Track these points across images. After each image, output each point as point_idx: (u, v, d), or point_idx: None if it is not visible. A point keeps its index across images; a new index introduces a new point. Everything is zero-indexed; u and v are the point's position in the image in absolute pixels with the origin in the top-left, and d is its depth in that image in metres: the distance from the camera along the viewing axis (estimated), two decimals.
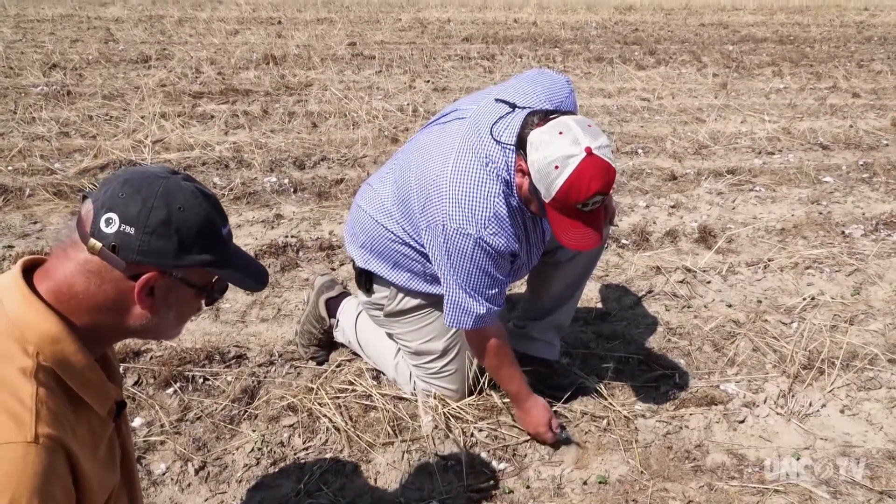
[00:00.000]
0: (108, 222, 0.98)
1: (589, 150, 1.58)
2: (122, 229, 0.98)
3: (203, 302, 1.12)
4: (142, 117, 4.85)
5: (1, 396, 0.90)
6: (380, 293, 2.15)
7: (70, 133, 4.58)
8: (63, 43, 7.32)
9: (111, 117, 4.93)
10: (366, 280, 2.15)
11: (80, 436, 0.98)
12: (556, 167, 1.59)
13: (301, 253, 3.19)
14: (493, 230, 1.78)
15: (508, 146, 1.76)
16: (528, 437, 2.14)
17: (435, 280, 2.00)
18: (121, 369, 2.29)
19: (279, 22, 9.34)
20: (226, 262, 1.08)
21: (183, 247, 1.01)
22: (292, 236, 3.34)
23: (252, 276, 1.13)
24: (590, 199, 1.61)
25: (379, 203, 2.03)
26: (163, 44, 7.54)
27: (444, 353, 2.16)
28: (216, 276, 1.10)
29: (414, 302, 2.10)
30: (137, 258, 0.99)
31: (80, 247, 0.99)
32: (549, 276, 2.26)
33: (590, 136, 1.60)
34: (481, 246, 1.78)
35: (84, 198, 1.04)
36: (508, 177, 1.78)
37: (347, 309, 2.41)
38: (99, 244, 0.98)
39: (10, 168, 3.92)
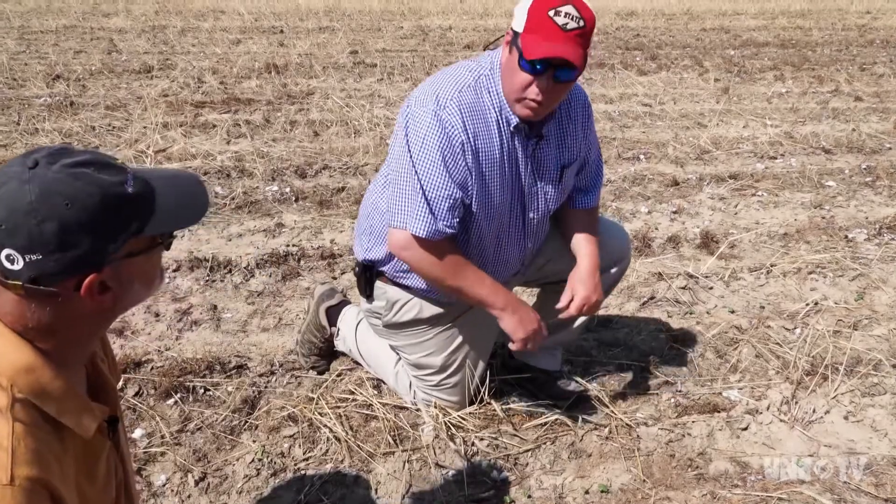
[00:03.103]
0: (10, 259, 0.87)
1: None
2: (28, 260, 0.87)
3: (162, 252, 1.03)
4: (144, 127, 4.87)
5: None
6: (378, 302, 2.14)
7: (73, 144, 4.60)
8: (66, 54, 7.36)
9: (114, 128, 4.95)
10: (366, 285, 2.14)
11: (67, 465, 0.95)
12: None
13: (302, 262, 3.19)
14: (451, 112, 1.76)
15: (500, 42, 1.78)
16: (530, 447, 2.13)
17: None
18: (121, 381, 2.29)
19: (281, 31, 9.38)
20: (152, 213, 0.95)
21: (100, 237, 0.90)
22: (293, 245, 3.34)
23: (189, 206, 1.02)
24: (562, 7, 1.61)
25: (378, 179, 2.05)
26: (165, 54, 7.57)
27: (442, 368, 2.15)
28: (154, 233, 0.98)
29: (409, 316, 2.09)
30: (64, 276, 0.90)
31: (4, 291, 0.91)
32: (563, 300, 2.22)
33: None
34: (435, 124, 1.75)
35: None
36: (490, 72, 1.81)
37: (348, 317, 2.40)
38: (18, 282, 0.88)
39: None
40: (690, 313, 2.90)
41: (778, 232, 3.63)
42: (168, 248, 1.02)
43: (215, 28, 9.35)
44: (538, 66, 1.65)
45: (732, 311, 2.91)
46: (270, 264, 3.15)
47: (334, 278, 3.08)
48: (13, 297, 0.91)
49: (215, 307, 2.81)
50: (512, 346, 1.95)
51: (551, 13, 1.61)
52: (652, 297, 3.00)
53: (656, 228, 3.67)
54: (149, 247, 0.98)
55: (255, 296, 2.91)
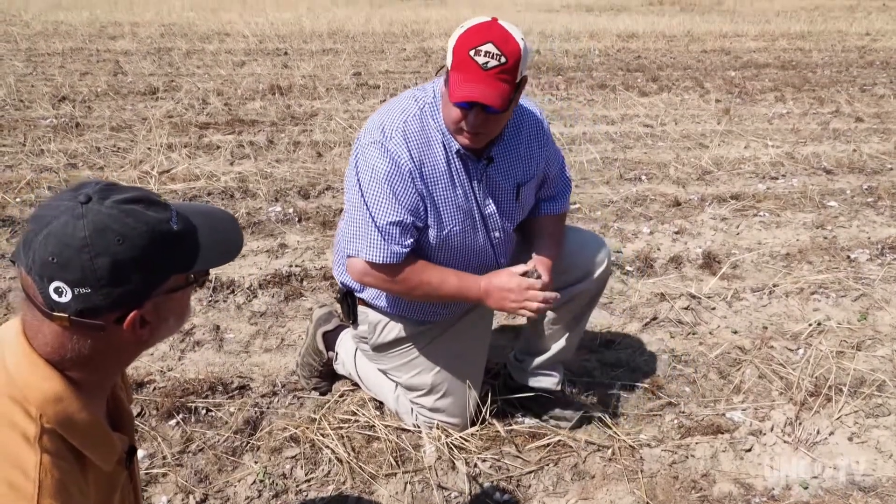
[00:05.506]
0: (59, 292, 0.89)
1: (496, 19, 1.68)
2: (77, 293, 0.89)
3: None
4: (148, 148, 4.90)
5: (3, 467, 0.86)
6: (362, 326, 2.15)
7: (78, 164, 4.64)
8: (72, 76, 7.43)
9: (119, 149, 4.98)
10: (349, 310, 2.15)
11: (89, 496, 0.95)
12: (462, 26, 1.69)
13: (305, 282, 3.20)
14: (397, 142, 1.81)
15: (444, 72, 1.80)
16: (533, 469, 2.12)
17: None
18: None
19: (285, 53, 9.46)
20: (196, 250, 0.98)
21: (148, 273, 0.93)
22: (296, 266, 3.35)
23: (227, 242, 1.05)
24: (482, 45, 1.63)
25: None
26: (170, 76, 7.64)
27: (433, 387, 2.15)
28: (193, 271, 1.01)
29: (392, 335, 2.10)
30: (110, 310, 0.92)
31: (48, 322, 0.92)
32: (548, 313, 2.24)
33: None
34: (382, 154, 1.80)
35: (13, 263, 0.94)
36: (433, 100, 1.85)
37: (346, 342, 2.40)
38: (65, 315, 0.90)
39: (18, 200, 3.96)
40: (693, 334, 2.90)
41: (780, 252, 3.64)
42: (202, 286, 1.04)
43: (220, 50, 9.44)
44: (464, 105, 1.69)
45: (735, 332, 2.91)
46: (273, 285, 3.15)
47: (336, 299, 3.08)
48: (56, 329, 0.92)
49: (218, 328, 2.81)
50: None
51: (472, 53, 1.65)
52: (654, 318, 3.00)
53: (658, 249, 3.67)
54: (187, 283, 1.00)
55: (257, 316, 2.92)
